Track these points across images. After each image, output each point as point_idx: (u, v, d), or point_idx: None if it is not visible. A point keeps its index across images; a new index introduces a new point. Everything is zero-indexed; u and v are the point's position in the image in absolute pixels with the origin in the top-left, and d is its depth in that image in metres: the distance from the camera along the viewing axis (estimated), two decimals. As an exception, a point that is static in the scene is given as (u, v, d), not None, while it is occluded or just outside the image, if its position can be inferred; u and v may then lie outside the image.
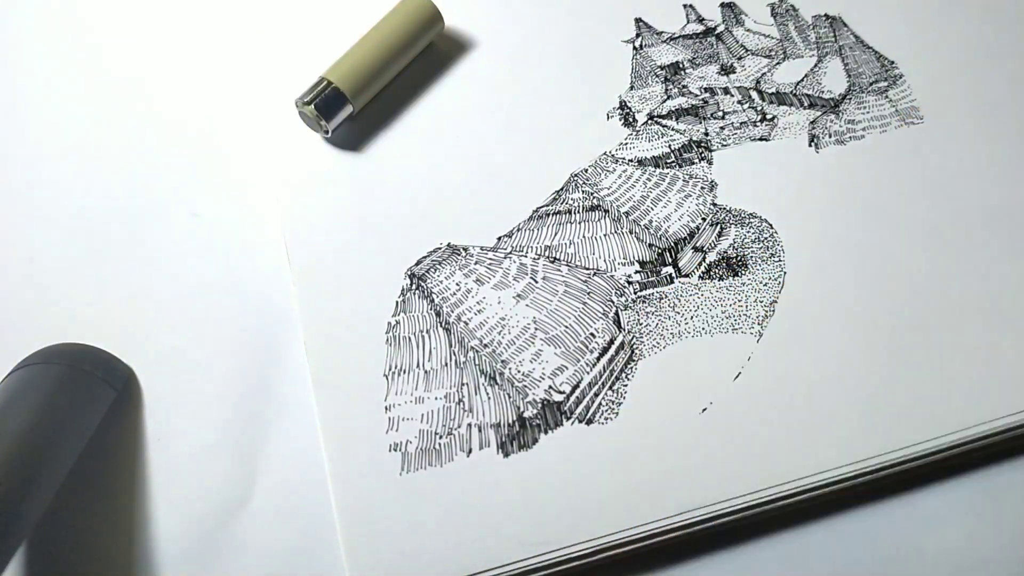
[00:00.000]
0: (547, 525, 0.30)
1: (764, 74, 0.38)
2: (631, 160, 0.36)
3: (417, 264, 0.34)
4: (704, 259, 0.34)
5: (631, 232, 0.35)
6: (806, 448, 0.30)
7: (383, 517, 0.30)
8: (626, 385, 0.32)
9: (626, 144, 0.36)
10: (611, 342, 0.33)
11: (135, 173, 0.37)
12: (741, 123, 0.37)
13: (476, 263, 0.34)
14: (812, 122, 0.37)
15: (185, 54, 0.40)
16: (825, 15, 0.39)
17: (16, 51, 0.40)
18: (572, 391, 0.32)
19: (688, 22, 0.39)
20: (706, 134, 0.37)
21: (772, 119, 0.37)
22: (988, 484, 0.32)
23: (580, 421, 0.31)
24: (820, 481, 0.30)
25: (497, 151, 0.36)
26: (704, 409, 0.31)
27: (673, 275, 0.34)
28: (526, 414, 0.31)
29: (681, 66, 0.38)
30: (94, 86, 0.39)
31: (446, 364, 0.32)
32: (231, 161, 0.37)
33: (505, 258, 0.34)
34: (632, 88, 0.38)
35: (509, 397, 0.32)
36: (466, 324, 0.33)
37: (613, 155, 0.36)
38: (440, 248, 0.35)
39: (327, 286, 0.34)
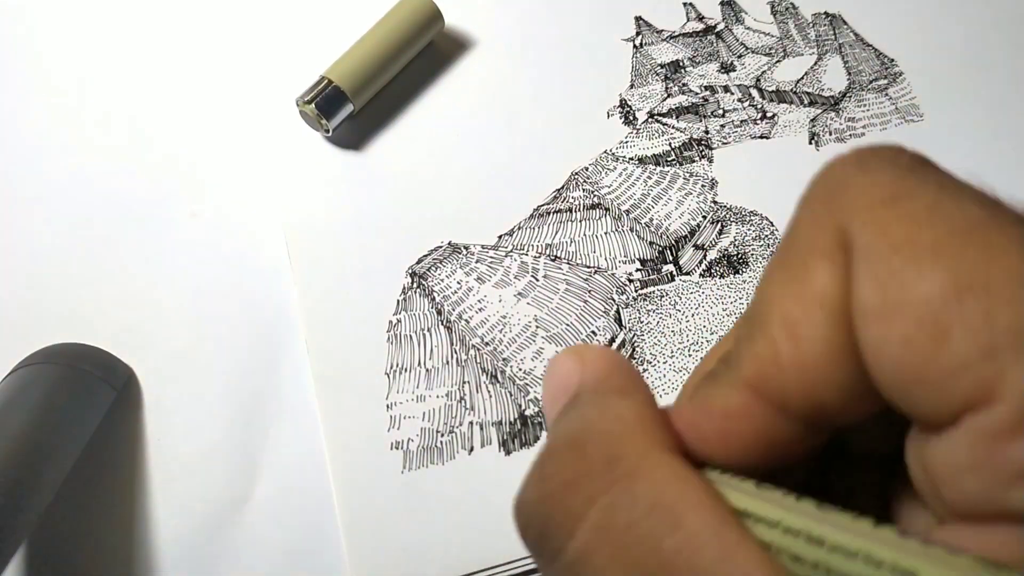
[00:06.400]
0: (549, 523, 0.30)
1: (764, 72, 0.38)
2: (632, 158, 0.36)
3: (418, 262, 0.34)
4: (705, 257, 0.34)
5: (632, 230, 0.35)
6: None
7: (385, 515, 0.30)
8: (628, 383, 0.32)
9: (627, 142, 0.36)
10: (612, 340, 0.33)
11: (135, 173, 0.37)
12: (741, 121, 0.37)
13: (477, 261, 0.34)
14: (812, 120, 0.37)
15: (185, 53, 0.40)
16: (825, 13, 0.39)
17: (16, 50, 0.40)
18: (574, 389, 0.32)
19: (688, 20, 0.39)
20: (706, 132, 0.37)
21: (772, 117, 0.37)
22: None
23: (582, 419, 0.31)
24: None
25: (498, 149, 0.36)
26: (706, 406, 0.31)
27: (674, 273, 0.34)
28: (528, 412, 0.31)
29: (681, 64, 0.38)
30: (93, 86, 0.39)
31: (447, 362, 0.32)
32: (231, 160, 0.37)
33: (506, 256, 0.34)
34: (632, 86, 0.38)
35: (511, 395, 0.32)
36: (467, 322, 0.33)
37: (614, 153, 0.36)
38: (441, 246, 0.34)
39: (328, 285, 0.34)
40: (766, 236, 0.34)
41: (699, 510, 0.12)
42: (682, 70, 0.38)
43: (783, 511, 0.12)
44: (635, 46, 0.38)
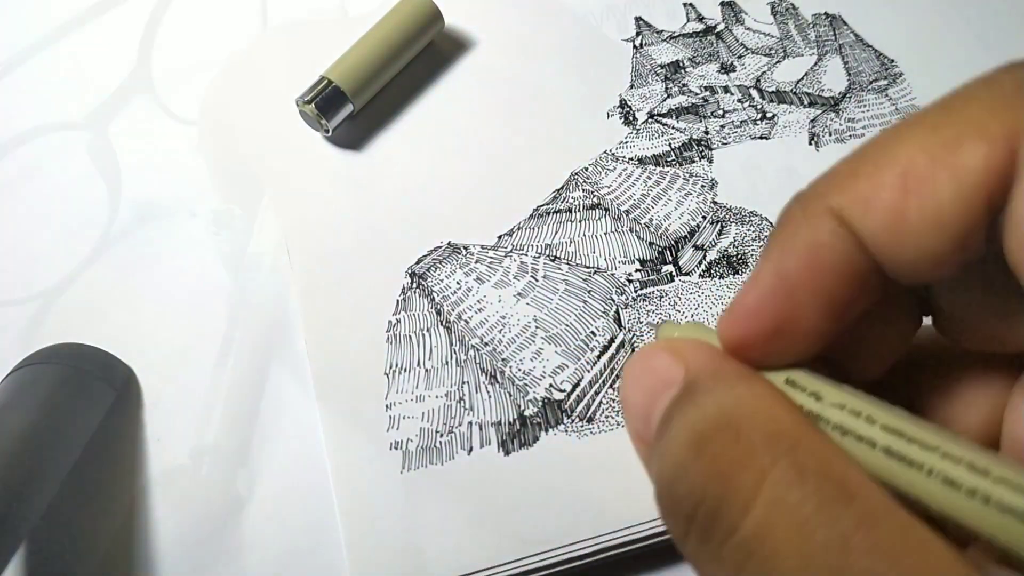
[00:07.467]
0: (548, 523, 0.30)
1: (764, 72, 0.38)
2: (631, 158, 0.36)
3: (418, 263, 0.34)
4: (704, 257, 0.34)
5: (631, 230, 0.35)
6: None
7: (384, 515, 0.30)
8: (627, 383, 0.32)
9: (626, 143, 0.36)
10: (612, 340, 0.33)
11: (135, 173, 0.37)
12: (741, 121, 0.37)
13: (476, 262, 0.34)
14: (812, 120, 0.37)
15: (185, 53, 0.40)
16: (825, 13, 0.39)
17: (16, 51, 0.40)
18: (573, 389, 0.32)
19: (688, 20, 0.39)
20: (706, 132, 0.37)
21: (772, 117, 0.37)
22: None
23: (581, 419, 0.31)
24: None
25: (497, 150, 0.36)
26: (705, 407, 0.31)
27: (673, 273, 0.34)
28: (527, 412, 0.31)
29: (681, 65, 0.38)
30: (93, 86, 0.39)
31: (447, 362, 0.32)
32: (231, 160, 0.37)
33: (505, 256, 0.34)
34: (632, 87, 0.38)
35: (510, 395, 0.32)
36: (467, 323, 0.33)
37: (613, 154, 0.36)
38: (440, 247, 0.34)
39: (328, 285, 0.34)
40: (766, 237, 0.34)
41: (870, 483, 0.13)
42: (682, 70, 0.38)
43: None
44: (635, 46, 0.38)
